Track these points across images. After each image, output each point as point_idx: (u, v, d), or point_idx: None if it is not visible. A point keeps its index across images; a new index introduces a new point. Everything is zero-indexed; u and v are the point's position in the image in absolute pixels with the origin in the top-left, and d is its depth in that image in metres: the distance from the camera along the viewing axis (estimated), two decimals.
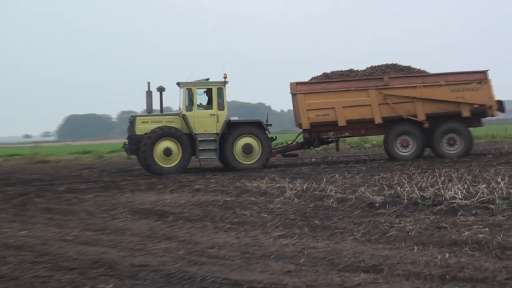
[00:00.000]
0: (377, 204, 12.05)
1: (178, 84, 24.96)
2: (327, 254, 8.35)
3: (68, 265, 8.39)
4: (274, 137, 25.57)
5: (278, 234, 10.06)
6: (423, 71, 26.26)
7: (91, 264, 8.37)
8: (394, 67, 26.26)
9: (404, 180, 15.13)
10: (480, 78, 25.40)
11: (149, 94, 24.72)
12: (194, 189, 17.11)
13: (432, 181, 14.67)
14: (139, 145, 23.50)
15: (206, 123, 24.06)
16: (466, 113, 25.07)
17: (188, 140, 23.71)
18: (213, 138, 23.97)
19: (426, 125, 24.85)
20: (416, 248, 8.43)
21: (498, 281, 6.64)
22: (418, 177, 16.05)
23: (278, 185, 16.15)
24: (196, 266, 8.05)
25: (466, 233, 9.05)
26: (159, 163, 23.46)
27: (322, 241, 9.32)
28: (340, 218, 11.12)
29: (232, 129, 24.20)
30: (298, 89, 24.92)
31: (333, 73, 26.09)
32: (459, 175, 15.91)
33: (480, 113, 25.52)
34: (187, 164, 23.97)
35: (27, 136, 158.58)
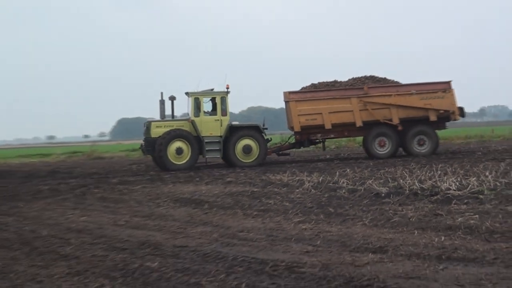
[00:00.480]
0: (383, 194, 11.98)
1: (187, 93, 25.13)
2: (340, 237, 8.32)
3: (120, 246, 8.43)
4: (270, 139, 25.73)
5: (298, 220, 10.04)
6: (397, 82, 26.53)
7: (139, 245, 8.40)
8: (372, 78, 26.52)
9: (406, 174, 15.03)
10: (445, 87, 25.81)
11: (162, 102, 25.00)
12: (226, 181, 17.13)
13: (430, 174, 14.55)
14: (154, 146, 23.66)
15: (211, 127, 24.28)
16: (433, 117, 25.39)
17: (196, 141, 23.89)
18: (217, 140, 24.19)
19: (400, 128, 25.17)
20: (416, 232, 8.37)
21: (487, 261, 6.59)
22: (418, 171, 15.93)
23: (297, 178, 16.11)
24: (228, 247, 8.05)
25: (459, 219, 8.96)
26: (172, 160, 23.61)
27: (336, 226, 9.29)
28: (351, 206, 11.07)
29: (233, 132, 24.37)
30: (290, 97, 25.13)
31: (320, 83, 26.30)
32: (453, 170, 15.78)
33: (444, 117, 25.93)
34: (195, 162, 24.18)
35: (86, 136, 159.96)
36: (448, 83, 25.87)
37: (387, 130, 25.28)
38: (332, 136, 26.06)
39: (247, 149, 24.39)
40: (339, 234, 8.56)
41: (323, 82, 26.31)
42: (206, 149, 24.07)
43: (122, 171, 25.21)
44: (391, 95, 25.27)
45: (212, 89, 25.06)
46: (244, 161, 24.30)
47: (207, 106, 24.98)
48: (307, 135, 25.51)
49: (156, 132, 24.00)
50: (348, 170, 17.74)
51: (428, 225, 8.74)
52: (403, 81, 26.54)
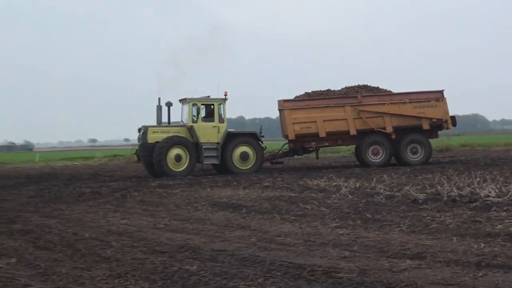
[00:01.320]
0: (420, 201, 11.84)
1: (181, 100, 25.26)
2: (377, 243, 8.25)
3: (160, 249, 8.49)
4: (265, 147, 25.56)
5: (335, 225, 9.99)
6: (389, 91, 26.48)
7: (178, 249, 8.45)
8: (365, 87, 26.45)
9: (443, 180, 14.83)
10: (438, 96, 25.86)
11: (159, 108, 24.89)
12: (263, 186, 17.12)
13: (468, 181, 14.33)
14: (150, 151, 23.53)
15: (209, 134, 24.14)
16: (426, 126, 25.43)
17: (194, 148, 23.75)
18: (215, 147, 24.06)
19: (393, 136, 25.12)
20: (455, 239, 8.26)
21: None
22: (456, 177, 15.71)
23: (334, 183, 16.02)
24: (266, 251, 8.04)
25: (499, 226, 8.81)
26: (171, 167, 23.40)
27: (373, 232, 9.21)
28: (388, 212, 10.97)
29: (231, 139, 24.24)
30: (285, 106, 25.10)
31: (313, 92, 26.23)
32: (492, 177, 15.50)
33: (437, 126, 25.92)
34: (193, 168, 24.05)
35: (126, 139, 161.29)
36: (441, 92, 26.06)
37: (380, 138, 25.29)
38: (326, 144, 26.07)
39: (244, 156, 24.31)
40: (377, 240, 8.49)
41: (317, 91, 26.26)
42: (204, 155, 23.96)
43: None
44: (384, 103, 25.40)
45: (208, 96, 24.92)
46: (241, 168, 24.15)
47: (201, 112, 24.96)
48: (301, 143, 25.41)
49: (152, 137, 23.82)
50: (385, 176, 17.58)
51: (467, 232, 8.62)
52: (396, 90, 26.68)
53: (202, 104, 24.56)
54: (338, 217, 10.76)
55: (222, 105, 24.62)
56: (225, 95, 24.69)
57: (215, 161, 24.26)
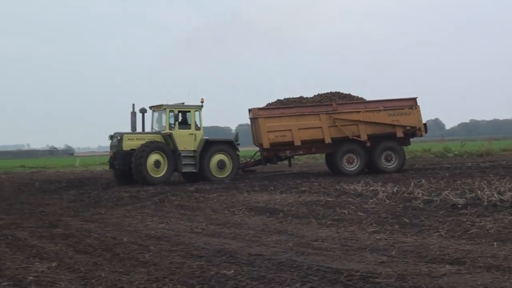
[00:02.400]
0: (460, 206, 11.66)
1: (153, 107, 24.71)
2: (416, 248, 8.15)
3: (197, 253, 8.52)
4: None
5: (372, 230, 9.91)
6: (361, 98, 26.11)
7: (215, 253, 8.47)
8: (338, 95, 25.94)
9: (484, 185, 14.58)
10: (411, 104, 25.59)
11: (133, 114, 24.32)
12: (300, 191, 17.06)
13: (509, 186, 14.06)
14: (126, 159, 22.83)
15: (186, 141, 23.57)
16: (400, 133, 25.18)
17: (172, 155, 23.19)
18: (192, 155, 23.56)
19: (368, 144, 24.72)
20: (495, 244, 8.11)
21: None
22: (497, 182, 15.41)
23: (371, 188, 15.89)
24: (303, 256, 8.01)
25: None
26: (150, 173, 22.76)
27: (411, 237, 9.11)
28: (427, 217, 10.83)
29: (208, 146, 23.74)
30: (259, 114, 24.51)
31: (286, 100, 25.66)
32: None
33: (410, 134, 25.68)
34: (171, 175, 23.54)
35: None
36: (414, 99, 25.81)
37: (355, 146, 24.89)
38: (300, 152, 25.78)
39: (221, 165, 23.90)
40: (415, 245, 8.39)
41: (290, 99, 25.74)
42: (183, 163, 23.39)
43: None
44: (359, 111, 25.00)
45: (183, 103, 24.40)
46: (218, 176, 23.68)
47: (174, 120, 24.43)
48: (275, 151, 24.86)
49: (128, 144, 23.13)
50: (423, 180, 17.36)
51: (508, 237, 8.46)
52: (368, 97, 26.34)
53: (179, 111, 24.06)
54: (375, 221, 10.67)
55: (198, 112, 24.17)
56: (202, 102, 24.27)
57: (193, 169, 23.67)
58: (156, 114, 24.89)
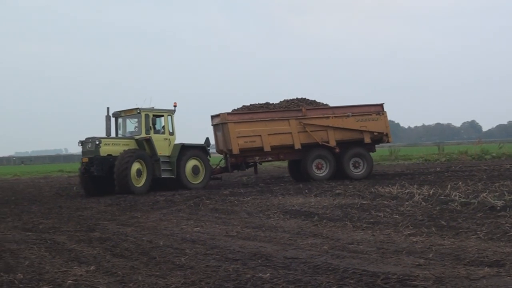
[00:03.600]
0: (498, 208, 11.47)
1: (114, 113, 23.77)
2: (453, 250, 8.04)
3: (232, 256, 8.53)
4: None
5: (408, 232, 9.80)
6: (326, 104, 25.82)
7: (251, 256, 8.47)
8: (304, 101, 25.69)
9: None
10: (378, 110, 25.52)
11: (108, 118, 23.60)
12: (335, 193, 16.99)
13: None
14: (104, 165, 21.75)
15: (161, 146, 22.91)
16: (367, 139, 25.15)
17: (151, 162, 22.37)
18: (168, 160, 22.94)
19: (337, 150, 24.60)
20: None
21: None
22: None
23: (407, 190, 15.75)
24: (339, 259, 7.97)
25: None
26: (134, 183, 21.73)
27: (448, 239, 8.99)
28: (464, 219, 10.68)
29: (184, 152, 23.07)
30: (229, 119, 23.94)
31: (252, 105, 25.22)
32: None
33: (377, 140, 25.55)
34: (150, 184, 22.41)
35: None
36: (381, 105, 25.65)
37: (324, 152, 24.69)
38: (269, 158, 25.26)
39: (196, 170, 23.33)
40: (452, 247, 8.28)
41: (255, 104, 25.29)
42: (162, 168, 22.63)
43: (233, 183, 25.63)
44: (329, 117, 24.82)
45: (153, 107, 23.69)
46: (193, 182, 23.10)
47: (129, 125, 23.80)
48: (244, 158, 24.39)
49: (105, 150, 22.07)
50: (460, 183, 17.15)
51: None
52: (331, 103, 26.05)
53: (154, 115, 23.21)
54: (411, 224, 10.56)
55: (171, 117, 23.61)
56: (174, 106, 23.75)
57: (171, 175, 22.93)
58: (126, 119, 23.99)
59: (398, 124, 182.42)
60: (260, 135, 24.00)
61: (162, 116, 23.49)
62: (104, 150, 21.98)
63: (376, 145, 27.07)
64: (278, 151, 24.70)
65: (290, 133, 24.33)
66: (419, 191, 15.12)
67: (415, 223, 10.70)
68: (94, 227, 12.73)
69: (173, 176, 22.90)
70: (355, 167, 25.07)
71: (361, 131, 25.08)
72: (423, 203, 13.22)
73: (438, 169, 28.90)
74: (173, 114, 23.72)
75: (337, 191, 17.52)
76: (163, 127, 23.43)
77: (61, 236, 11.61)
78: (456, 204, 12.46)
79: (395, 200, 14.20)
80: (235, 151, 23.87)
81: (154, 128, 23.14)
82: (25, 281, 7.33)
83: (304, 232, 10.60)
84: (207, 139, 24.64)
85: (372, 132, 25.19)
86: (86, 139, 22.48)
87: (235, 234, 10.84)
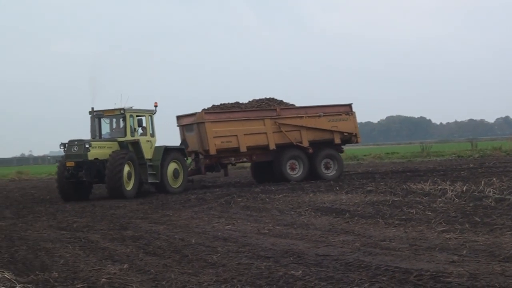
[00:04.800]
0: None
1: (104, 111, 21.78)
2: (488, 247, 7.95)
3: (264, 254, 8.54)
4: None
5: (441, 229, 9.71)
6: (293, 104, 25.28)
7: (282, 254, 8.47)
8: (273, 101, 25.09)
9: None
10: (347, 110, 25.13)
11: (93, 119, 21.68)
12: (366, 191, 16.90)
13: None
14: (92, 169, 20.00)
15: (145, 149, 21.26)
16: (337, 140, 24.79)
17: (138, 165, 20.71)
18: (152, 163, 21.29)
19: (310, 150, 24.07)
20: None
21: None
22: None
23: (440, 187, 15.59)
24: (371, 256, 7.93)
25: None
26: (125, 186, 20.14)
27: (482, 236, 8.88)
28: (499, 215, 10.54)
29: (166, 154, 21.53)
30: (206, 118, 22.99)
31: (223, 104, 24.44)
32: None
33: (346, 140, 25.11)
34: (137, 188, 20.84)
35: None
36: (350, 105, 25.22)
37: (298, 153, 24.13)
38: (244, 160, 24.50)
39: (176, 174, 21.98)
40: (487, 244, 8.18)
41: (226, 104, 24.54)
42: (149, 172, 21.02)
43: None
44: (302, 117, 24.27)
45: (131, 107, 21.85)
46: (174, 186, 21.76)
47: (106, 126, 22.19)
48: (217, 158, 23.50)
49: (93, 153, 20.24)
50: (494, 179, 16.89)
51: None
52: (297, 103, 25.51)
53: (137, 116, 21.60)
54: (444, 221, 10.46)
55: (151, 118, 22.06)
56: (155, 106, 22.24)
57: (156, 180, 21.30)
58: (107, 119, 22.23)
59: (429, 120, 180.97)
60: (236, 135, 23.27)
61: (144, 116, 21.79)
62: (92, 154, 20.26)
63: (344, 146, 26.37)
64: (252, 152, 23.96)
65: (265, 133, 23.71)
66: (452, 188, 14.96)
67: (448, 219, 10.60)
68: (126, 226, 12.85)
69: (157, 181, 21.42)
70: (326, 168, 24.57)
71: (332, 132, 24.66)
72: (456, 199, 13.08)
73: (471, 165, 28.50)
74: (154, 114, 22.25)
75: (368, 188, 17.43)
76: (144, 128, 21.81)
77: (95, 234, 11.75)
78: (490, 200, 12.31)
79: (428, 197, 14.08)
80: (212, 151, 23.00)
81: (139, 129, 21.73)
82: (60, 280, 7.44)
83: (335, 229, 10.57)
84: (184, 140, 23.58)
85: (342, 133, 24.81)
86: (71, 141, 20.56)
87: (267, 231, 10.85)
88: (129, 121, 21.30)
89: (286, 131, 23.94)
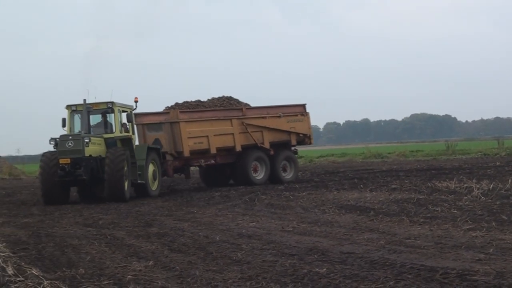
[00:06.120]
0: None
1: (69, 106, 19.72)
2: None
3: (288, 251, 8.55)
4: None
5: (467, 227, 9.63)
6: (247, 104, 24.00)
7: (307, 251, 8.46)
8: (231, 99, 23.81)
9: None
10: (302, 110, 24.45)
11: (86, 112, 19.56)
12: (390, 188, 16.81)
13: None
14: (88, 167, 18.22)
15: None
16: (294, 141, 24.02)
17: (131, 164, 18.99)
18: (138, 163, 19.27)
19: (272, 152, 23.14)
20: None
21: None
22: None
23: (465, 185, 15.45)
24: (395, 254, 7.89)
25: None
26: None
27: (510, 234, 8.80)
28: None
29: (148, 154, 19.76)
30: (180, 117, 21.41)
31: (184, 102, 23.08)
32: None
33: (300, 142, 24.34)
34: (129, 188, 19.16)
35: None
36: (304, 106, 24.45)
37: (261, 154, 23.01)
38: (212, 162, 22.43)
39: (155, 175, 20.24)
40: None
41: (188, 102, 23.13)
42: (138, 172, 19.24)
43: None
44: (265, 117, 23.23)
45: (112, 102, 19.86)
46: (153, 189, 20.05)
47: (95, 121, 20.34)
48: (186, 160, 21.99)
49: (90, 150, 18.53)
50: None
51: None
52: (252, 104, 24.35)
53: (123, 111, 20.03)
54: (470, 219, 10.37)
55: (131, 113, 20.16)
56: (136, 101, 20.49)
57: (142, 180, 19.40)
58: (90, 114, 20.03)
59: (455, 118, 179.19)
60: (207, 136, 21.91)
61: (126, 112, 20.03)
62: (88, 150, 18.52)
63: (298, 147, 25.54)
64: (218, 154, 22.49)
65: (233, 134, 22.51)
66: (478, 186, 14.82)
67: (474, 218, 10.51)
68: (151, 223, 12.94)
69: (143, 182, 19.48)
70: (284, 171, 23.77)
71: (290, 133, 23.82)
72: (482, 197, 12.97)
73: (497, 163, 28.15)
74: (133, 110, 20.50)
75: (393, 186, 17.34)
76: (125, 124, 19.98)
77: (120, 231, 11.84)
78: None
79: (453, 195, 13.97)
80: (186, 153, 21.47)
81: (108, 126, 20.06)
82: (87, 276, 7.51)
83: (360, 227, 10.53)
84: (158, 140, 21.58)
85: (298, 134, 24.05)
86: (63, 136, 18.74)
87: (291, 229, 10.85)
88: (118, 116, 19.77)
89: (251, 131, 22.79)
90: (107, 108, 19.78)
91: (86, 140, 18.38)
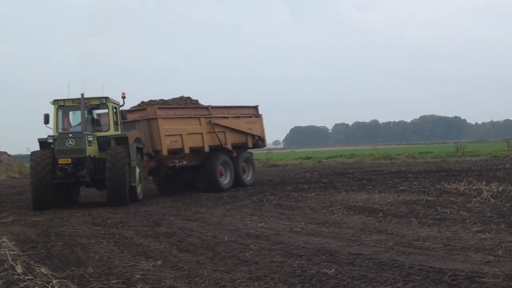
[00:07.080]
0: None
1: (56, 101, 18.16)
2: None
3: (297, 252, 8.54)
4: None
5: (476, 229, 9.60)
6: (201, 104, 22.40)
7: (315, 252, 8.46)
8: (189, 99, 22.32)
9: None
10: (255, 112, 23.81)
11: (84, 107, 17.92)
12: (399, 190, 16.78)
13: None
14: (89, 167, 17.04)
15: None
16: (250, 143, 23.34)
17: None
18: (131, 164, 17.61)
19: (235, 154, 22.31)
20: None
21: None
22: None
23: (475, 187, 15.41)
24: (404, 255, 7.87)
25: None
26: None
27: None
28: None
29: (136, 155, 17.97)
30: (158, 114, 19.82)
31: (150, 101, 21.30)
32: None
33: (254, 144, 23.75)
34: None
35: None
36: (256, 107, 23.83)
37: (226, 157, 21.98)
38: (184, 163, 20.81)
39: (140, 177, 18.65)
40: None
41: (153, 101, 21.33)
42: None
43: (296, 179, 25.58)
44: (227, 117, 22.25)
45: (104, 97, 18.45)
46: (138, 192, 18.39)
47: (75, 119, 18.68)
48: (160, 160, 20.36)
49: (89, 149, 17.25)
50: None
51: None
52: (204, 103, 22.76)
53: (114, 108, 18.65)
54: (480, 221, 10.33)
55: (118, 110, 18.86)
56: (123, 97, 18.88)
57: (134, 182, 17.75)
58: (75, 111, 18.59)
59: (464, 120, 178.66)
60: (181, 135, 20.49)
61: (116, 108, 18.75)
62: (89, 150, 17.25)
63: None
64: (190, 155, 21.08)
65: (201, 133, 21.23)
66: (487, 188, 14.78)
67: (484, 220, 10.47)
68: (160, 222, 12.96)
69: (134, 185, 17.82)
70: (243, 173, 23.02)
71: (247, 134, 23.10)
72: (491, 199, 12.92)
73: (507, 165, 28.03)
74: (121, 107, 18.98)
75: (401, 187, 17.31)
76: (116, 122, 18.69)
77: (129, 231, 11.87)
78: None
79: (462, 197, 13.92)
80: (165, 152, 19.93)
81: (97, 123, 18.71)
82: (96, 275, 7.53)
83: (368, 228, 10.51)
84: (139, 139, 19.63)
85: (254, 136, 23.37)
86: (61, 134, 17.43)
87: (299, 230, 10.84)
88: (112, 112, 18.32)
89: (217, 131, 21.73)
90: (100, 104, 18.24)
91: (89, 139, 17.17)
